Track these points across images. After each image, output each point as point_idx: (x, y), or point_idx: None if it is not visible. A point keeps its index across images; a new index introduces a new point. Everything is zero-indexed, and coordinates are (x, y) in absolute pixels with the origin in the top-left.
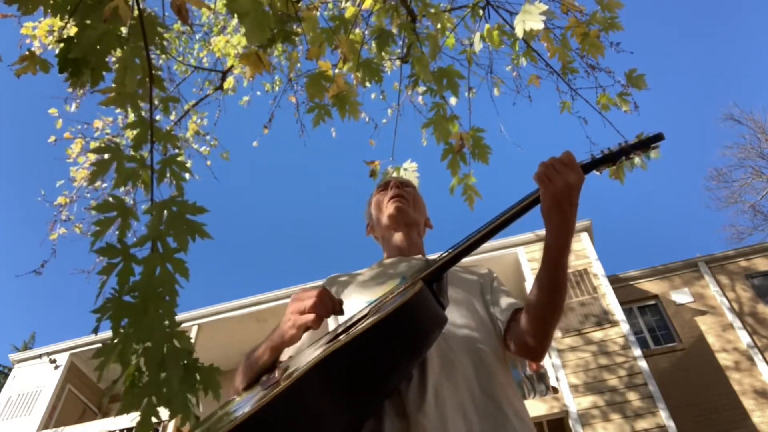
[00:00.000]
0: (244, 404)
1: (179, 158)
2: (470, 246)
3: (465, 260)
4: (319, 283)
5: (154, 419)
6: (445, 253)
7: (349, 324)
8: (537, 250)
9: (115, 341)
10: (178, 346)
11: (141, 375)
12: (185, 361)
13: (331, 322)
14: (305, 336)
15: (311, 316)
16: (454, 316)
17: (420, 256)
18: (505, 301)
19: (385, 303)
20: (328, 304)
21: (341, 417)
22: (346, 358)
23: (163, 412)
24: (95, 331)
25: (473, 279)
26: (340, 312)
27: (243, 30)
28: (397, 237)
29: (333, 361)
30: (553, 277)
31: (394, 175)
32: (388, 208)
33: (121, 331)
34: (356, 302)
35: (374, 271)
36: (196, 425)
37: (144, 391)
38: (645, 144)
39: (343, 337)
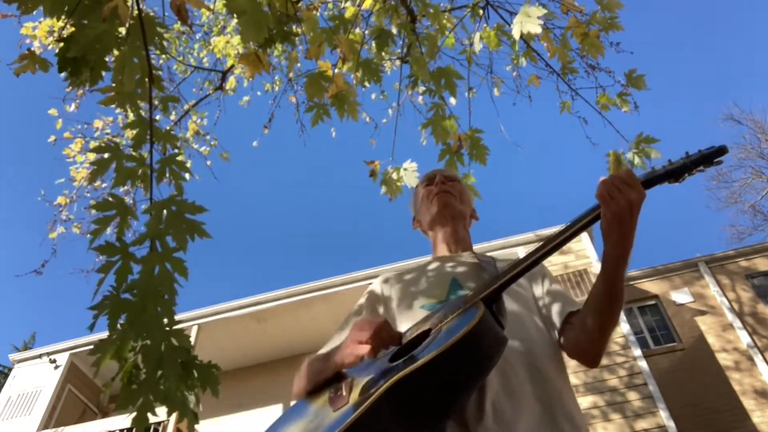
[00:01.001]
0: (319, 426)
1: (178, 158)
2: (531, 264)
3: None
4: (326, 281)
5: (151, 416)
6: (503, 267)
7: (409, 340)
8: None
9: (113, 338)
10: (176, 344)
11: (138, 372)
12: (183, 359)
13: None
14: None
15: (368, 348)
16: (510, 323)
17: (469, 252)
18: (559, 304)
19: (447, 323)
20: (386, 338)
21: None
22: (414, 384)
23: (162, 411)
24: (91, 327)
25: (525, 280)
26: (399, 344)
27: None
28: (445, 232)
29: (402, 387)
30: (611, 287)
31: (394, 175)
32: (435, 203)
33: (119, 328)
34: (411, 307)
35: (425, 272)
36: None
37: (142, 388)
38: (708, 158)
39: (410, 361)
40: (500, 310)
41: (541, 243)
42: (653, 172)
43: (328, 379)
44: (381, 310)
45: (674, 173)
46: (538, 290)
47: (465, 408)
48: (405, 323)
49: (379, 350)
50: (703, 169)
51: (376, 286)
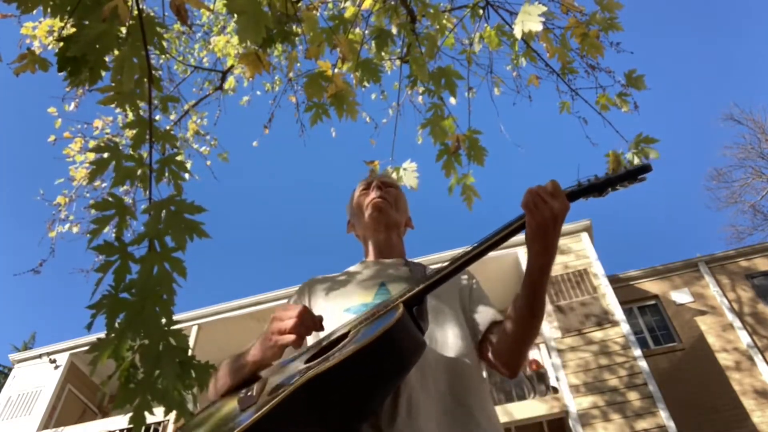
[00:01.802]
0: (227, 421)
1: (178, 158)
2: (455, 269)
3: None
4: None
5: (152, 416)
6: (429, 273)
7: (328, 342)
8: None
9: (111, 337)
10: (174, 344)
11: (136, 371)
12: (181, 359)
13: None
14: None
15: (292, 337)
16: (432, 324)
17: (399, 258)
18: (483, 313)
19: (366, 324)
20: (308, 324)
21: None
22: (327, 383)
23: (159, 411)
24: (89, 327)
25: (453, 285)
26: (321, 329)
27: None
28: (378, 238)
29: (313, 386)
30: (532, 299)
31: (394, 175)
32: (369, 210)
33: (117, 327)
34: (335, 309)
35: (354, 274)
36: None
37: (139, 387)
38: (632, 175)
39: (323, 361)
40: (421, 314)
41: (467, 250)
42: (578, 185)
43: (244, 379)
44: None
45: (598, 187)
46: (465, 298)
47: (381, 409)
48: (329, 325)
49: (303, 339)
50: (627, 184)
51: (304, 286)
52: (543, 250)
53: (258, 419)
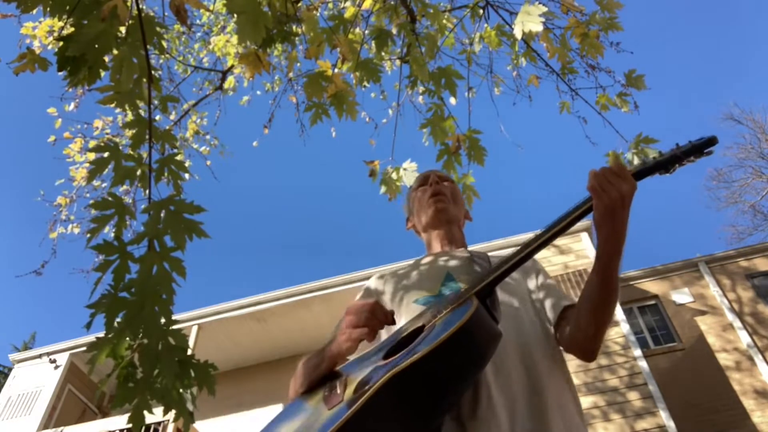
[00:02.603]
0: (315, 423)
1: (177, 158)
2: (523, 257)
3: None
4: (326, 281)
5: (152, 416)
6: (492, 254)
7: (404, 336)
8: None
9: (110, 336)
10: (173, 344)
11: (135, 371)
12: (180, 358)
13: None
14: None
15: (365, 330)
16: (504, 317)
17: (463, 249)
18: (553, 299)
19: (441, 318)
20: (381, 317)
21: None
22: (409, 379)
23: (158, 411)
24: (88, 326)
25: (519, 273)
26: (393, 323)
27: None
28: (439, 234)
29: (397, 382)
30: (606, 280)
31: (393, 175)
32: (429, 207)
33: (116, 326)
34: (404, 301)
35: (419, 266)
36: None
37: (138, 386)
38: (698, 149)
39: (403, 357)
40: (494, 304)
41: (534, 236)
42: (644, 163)
43: (323, 376)
44: None
45: (665, 164)
46: (532, 285)
47: (462, 403)
48: (400, 318)
49: (376, 332)
50: (693, 159)
51: (371, 282)
52: (613, 232)
53: (348, 419)
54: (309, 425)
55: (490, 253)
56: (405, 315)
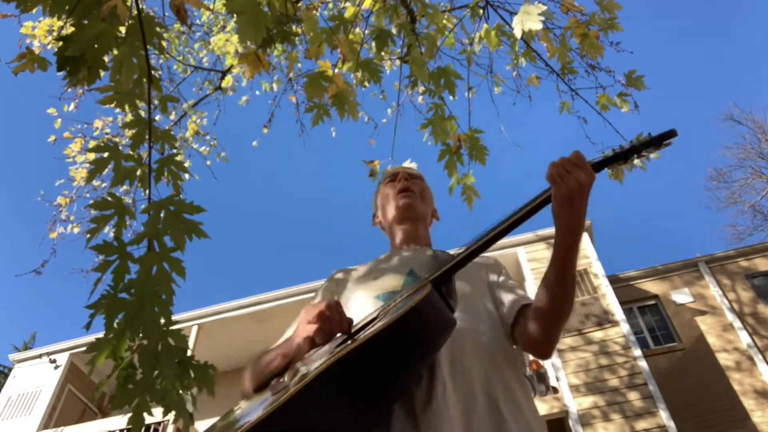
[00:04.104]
0: (253, 410)
1: (177, 158)
2: (481, 246)
3: None
4: (322, 282)
5: (151, 416)
6: (455, 252)
7: (358, 327)
8: (537, 250)
9: (110, 337)
10: (173, 344)
11: (134, 372)
12: (180, 359)
13: None
14: None
15: (315, 327)
16: (462, 311)
17: (426, 247)
18: (512, 296)
19: (395, 306)
20: (335, 316)
21: (351, 420)
22: (354, 363)
23: (158, 412)
24: (88, 326)
25: (480, 271)
26: (347, 331)
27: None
28: (404, 231)
29: (341, 366)
30: (562, 274)
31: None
32: (396, 202)
33: (115, 327)
34: (365, 297)
35: (380, 263)
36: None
37: (138, 387)
38: (657, 141)
39: (351, 342)
40: (450, 293)
41: (493, 227)
42: (603, 154)
43: (275, 372)
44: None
45: (623, 155)
46: (494, 285)
47: (413, 394)
48: (360, 314)
49: (330, 331)
50: (653, 150)
51: (333, 277)
52: (570, 223)
53: (287, 400)
54: (251, 410)
55: (453, 252)
56: (366, 310)
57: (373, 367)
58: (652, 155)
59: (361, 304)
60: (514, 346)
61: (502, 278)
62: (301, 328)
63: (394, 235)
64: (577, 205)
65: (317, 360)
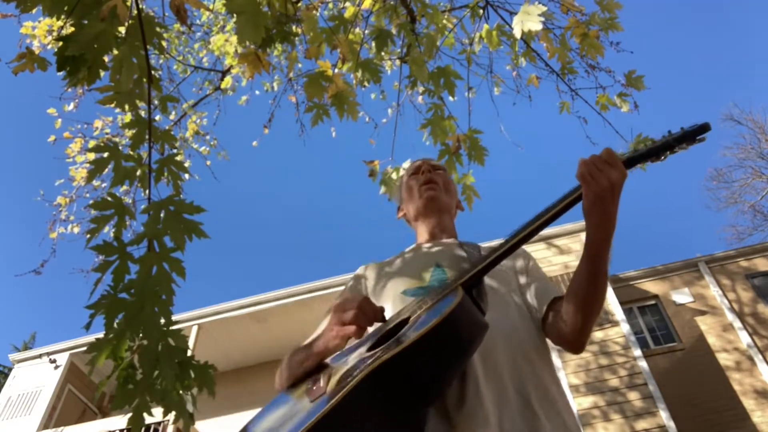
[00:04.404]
0: (287, 418)
1: (177, 158)
2: (511, 247)
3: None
4: (326, 281)
5: (151, 416)
6: (482, 247)
7: (389, 327)
8: (540, 249)
9: (110, 337)
10: (173, 345)
11: (134, 372)
12: (180, 359)
13: None
14: None
15: (353, 329)
16: (491, 306)
17: (453, 239)
18: (542, 290)
19: (426, 309)
20: (369, 314)
21: (390, 425)
22: (392, 371)
23: (158, 412)
24: (88, 326)
25: (508, 264)
26: (382, 320)
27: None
28: (430, 223)
29: (379, 374)
30: (595, 270)
31: (393, 175)
32: (421, 195)
33: (116, 327)
34: (392, 293)
35: (408, 257)
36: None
37: (138, 388)
38: (691, 135)
39: (386, 349)
40: (481, 295)
41: (523, 226)
42: (635, 151)
43: (309, 370)
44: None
45: (656, 151)
46: (523, 277)
47: (446, 395)
48: (387, 308)
49: (364, 329)
50: (685, 146)
51: (359, 273)
52: (602, 221)
53: (329, 410)
54: (291, 416)
55: (485, 245)
56: (392, 305)
57: (408, 374)
58: (682, 150)
59: (389, 300)
60: (546, 339)
61: (531, 270)
62: (333, 326)
63: (420, 227)
64: (609, 204)
65: (351, 362)
